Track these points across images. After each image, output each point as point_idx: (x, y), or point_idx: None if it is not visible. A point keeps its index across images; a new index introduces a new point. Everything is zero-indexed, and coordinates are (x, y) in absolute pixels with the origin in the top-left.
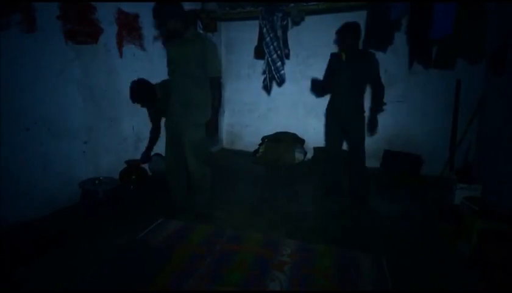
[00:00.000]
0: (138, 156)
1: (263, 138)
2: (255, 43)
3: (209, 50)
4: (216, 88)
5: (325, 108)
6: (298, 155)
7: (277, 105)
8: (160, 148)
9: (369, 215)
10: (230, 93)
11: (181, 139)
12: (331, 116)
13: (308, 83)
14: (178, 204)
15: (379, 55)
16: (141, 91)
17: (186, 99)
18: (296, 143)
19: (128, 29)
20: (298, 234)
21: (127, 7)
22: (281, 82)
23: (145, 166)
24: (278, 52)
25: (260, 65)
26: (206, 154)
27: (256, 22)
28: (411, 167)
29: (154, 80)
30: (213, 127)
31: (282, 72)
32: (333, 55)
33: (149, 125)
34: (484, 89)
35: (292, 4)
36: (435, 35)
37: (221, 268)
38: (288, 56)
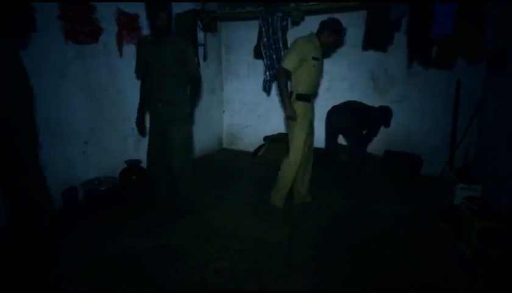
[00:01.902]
0: (138, 156)
1: (265, 138)
2: (255, 43)
3: (188, 50)
4: (196, 86)
5: (324, 108)
6: None
7: (277, 105)
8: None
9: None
10: (230, 92)
11: (166, 136)
12: None
13: None
14: (161, 199)
15: (379, 55)
16: None
17: (169, 98)
18: None
19: (128, 29)
20: (298, 234)
21: (127, 7)
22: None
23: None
24: (274, 55)
25: (260, 64)
26: (192, 150)
27: (256, 22)
28: (411, 167)
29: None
30: None
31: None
32: None
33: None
34: (484, 89)
35: (292, 4)
36: (435, 35)
37: None
38: None
